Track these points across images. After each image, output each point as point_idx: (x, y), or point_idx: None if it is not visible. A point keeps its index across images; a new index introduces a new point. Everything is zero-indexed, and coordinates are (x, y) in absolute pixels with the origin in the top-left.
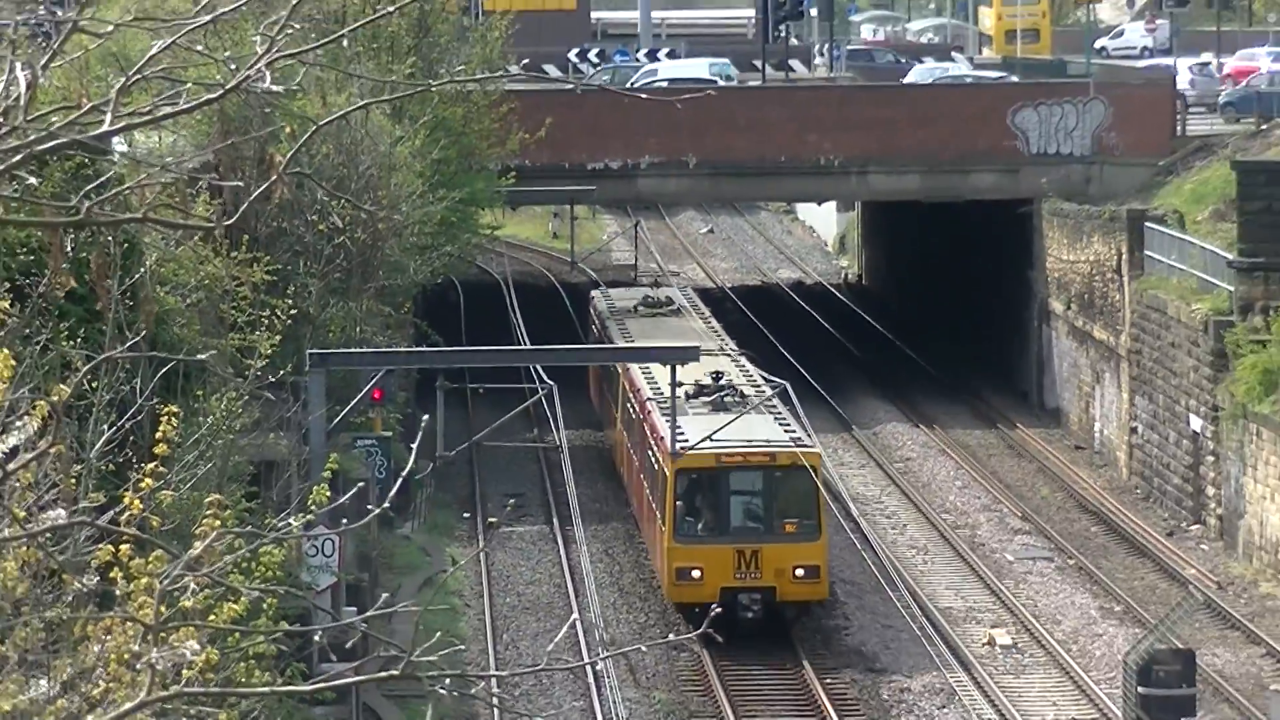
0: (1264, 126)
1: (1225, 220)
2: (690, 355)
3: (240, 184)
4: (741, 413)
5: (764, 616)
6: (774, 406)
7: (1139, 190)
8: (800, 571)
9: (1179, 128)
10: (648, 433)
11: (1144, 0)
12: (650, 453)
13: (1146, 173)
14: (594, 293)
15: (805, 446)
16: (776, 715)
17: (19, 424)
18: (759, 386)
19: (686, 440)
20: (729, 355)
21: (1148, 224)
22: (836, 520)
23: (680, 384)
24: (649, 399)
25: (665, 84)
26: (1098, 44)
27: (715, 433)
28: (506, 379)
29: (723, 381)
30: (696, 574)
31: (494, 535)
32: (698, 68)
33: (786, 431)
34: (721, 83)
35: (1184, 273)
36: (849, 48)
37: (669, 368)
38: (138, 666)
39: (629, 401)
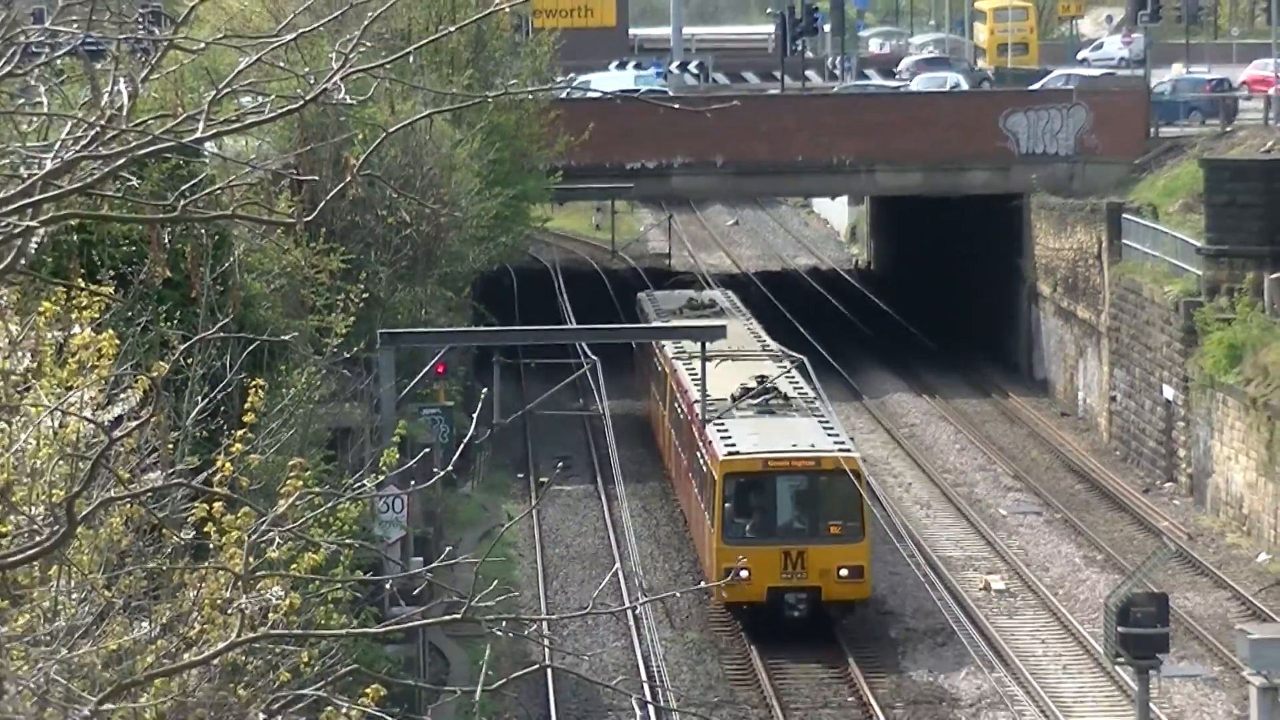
0: (1228, 129)
1: (1194, 212)
2: (718, 334)
3: (318, 182)
4: (782, 415)
5: (809, 615)
6: (817, 410)
7: (1117, 185)
8: (844, 572)
9: (1152, 130)
10: (696, 435)
11: (1121, 15)
12: (699, 454)
13: (1123, 170)
14: (641, 294)
15: (848, 452)
16: (796, 650)
17: (123, 396)
18: (801, 389)
19: (734, 445)
20: (772, 357)
21: (1125, 215)
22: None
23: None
24: (696, 401)
25: (599, 94)
26: (1080, 55)
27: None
28: (555, 355)
29: (768, 380)
30: (744, 574)
31: (545, 494)
32: (624, 80)
33: (830, 437)
34: (643, 91)
35: (1157, 259)
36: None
37: (715, 368)
38: (229, 611)
39: (676, 401)
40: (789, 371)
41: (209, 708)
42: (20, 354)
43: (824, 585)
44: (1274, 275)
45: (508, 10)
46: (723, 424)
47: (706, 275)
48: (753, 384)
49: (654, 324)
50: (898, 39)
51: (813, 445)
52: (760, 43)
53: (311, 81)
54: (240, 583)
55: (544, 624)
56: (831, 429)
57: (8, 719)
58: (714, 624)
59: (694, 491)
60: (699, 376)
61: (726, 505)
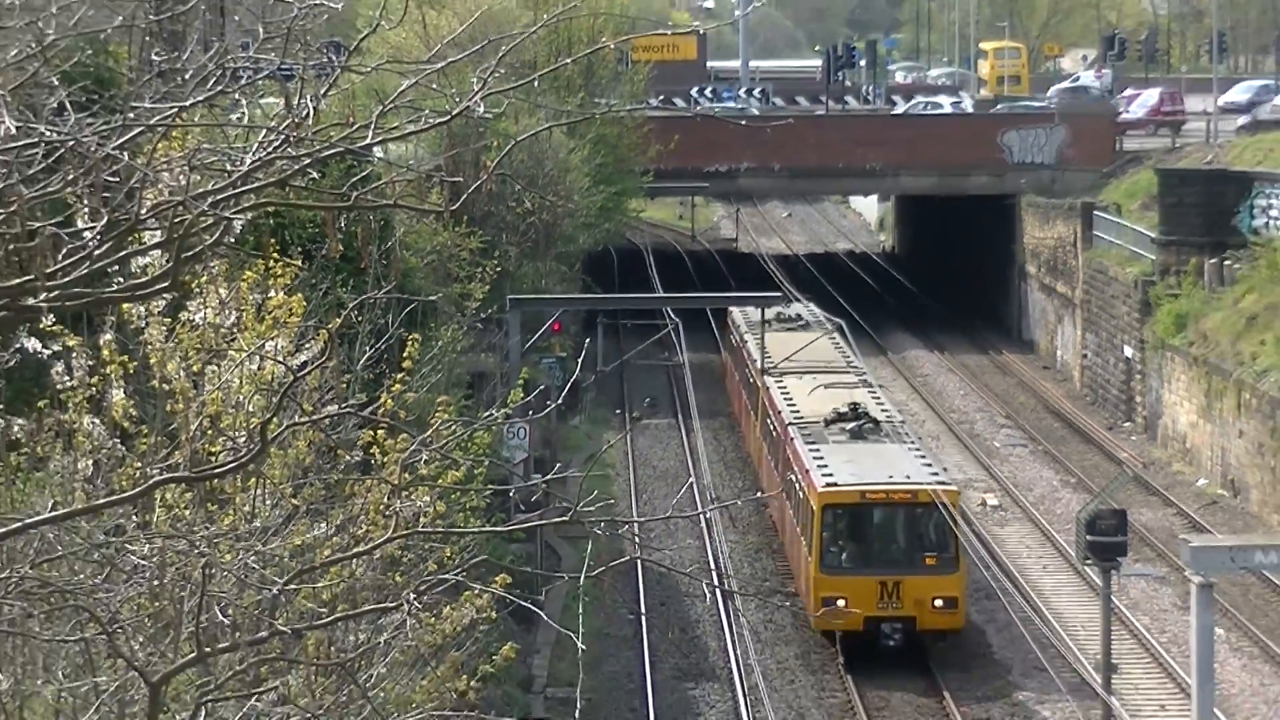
0: (1177, 145)
1: (1149, 210)
2: (777, 300)
3: (461, 180)
4: (873, 441)
5: (904, 644)
6: (906, 435)
7: (1089, 188)
8: (939, 602)
9: (1117, 145)
10: (794, 463)
11: (1094, 54)
12: (795, 480)
13: (1094, 176)
14: (732, 309)
15: (944, 485)
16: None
17: (307, 345)
18: (889, 411)
19: (832, 476)
20: (855, 375)
21: (1095, 212)
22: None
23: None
24: (790, 424)
25: (682, 113)
26: (1061, 86)
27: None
28: (646, 317)
29: (859, 407)
30: (842, 603)
31: (636, 425)
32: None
33: (925, 467)
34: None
35: (1120, 246)
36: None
37: (810, 393)
38: (388, 514)
39: (769, 418)
40: (874, 390)
41: (372, 590)
42: (227, 312)
43: (919, 615)
44: (1211, 260)
45: (612, 47)
46: (818, 450)
47: (764, 255)
48: (823, 386)
49: (751, 351)
50: (918, 72)
51: (908, 476)
52: (810, 73)
53: (457, 100)
54: (397, 492)
55: (634, 525)
56: (924, 457)
57: (218, 595)
58: (767, 529)
59: (788, 513)
60: (791, 396)
61: (824, 535)
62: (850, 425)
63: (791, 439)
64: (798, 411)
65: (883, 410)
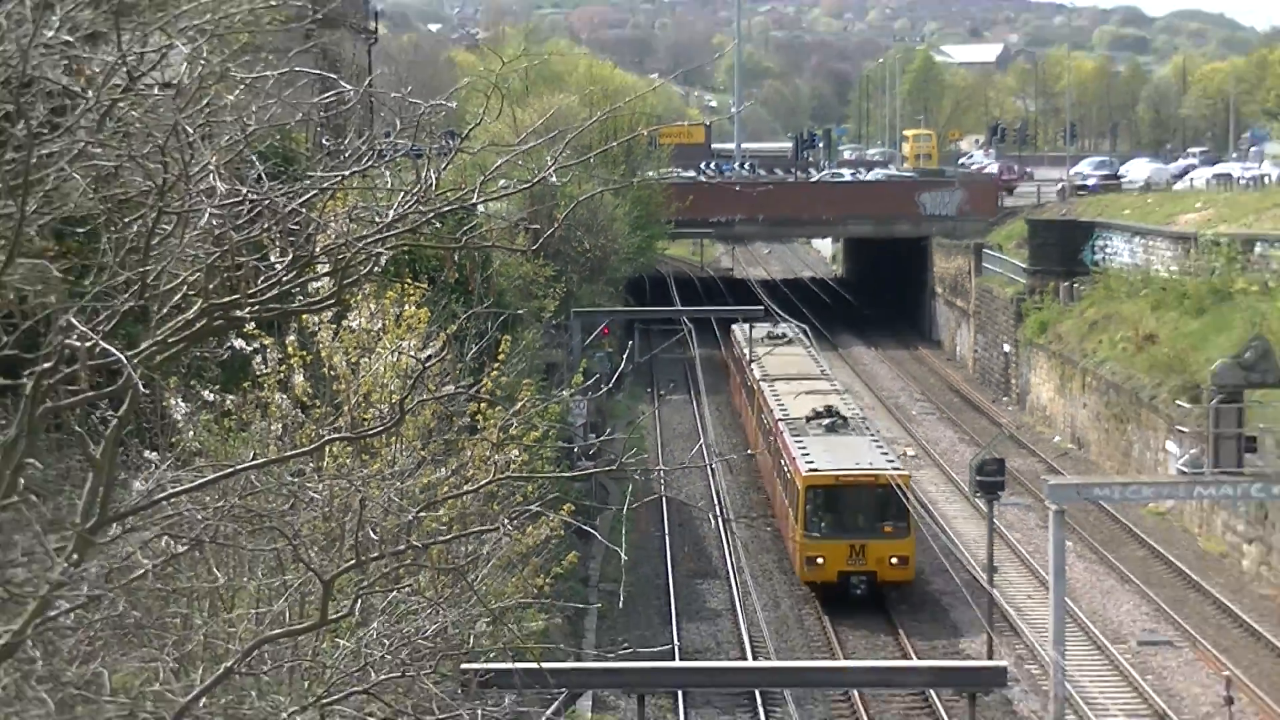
0: (1041, 202)
1: (1022, 248)
2: (758, 315)
3: (539, 227)
4: (845, 434)
5: (868, 594)
6: (870, 430)
7: (979, 233)
8: (895, 560)
9: (1000, 202)
10: (783, 451)
11: (983, 139)
12: (785, 465)
13: (983, 225)
14: (734, 327)
15: (898, 470)
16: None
17: (431, 344)
18: (854, 410)
19: (813, 462)
20: (830, 382)
21: (984, 249)
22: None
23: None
24: (780, 421)
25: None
26: (960, 161)
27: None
28: (668, 324)
29: (834, 408)
30: (820, 561)
31: (661, 400)
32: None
33: (884, 456)
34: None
35: (1001, 274)
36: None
37: (796, 393)
38: (488, 463)
39: (763, 414)
40: (843, 394)
41: (477, 516)
42: (375, 320)
43: (879, 570)
44: (1064, 284)
45: (645, 134)
46: (802, 441)
47: (752, 279)
48: (805, 391)
49: (749, 361)
50: (860, 151)
51: (871, 464)
52: (784, 152)
53: (535, 171)
54: (494, 448)
55: (660, 471)
56: (882, 448)
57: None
58: (759, 474)
59: (780, 491)
60: (780, 397)
61: (807, 508)
62: (826, 422)
63: (781, 432)
64: (785, 410)
65: (850, 410)
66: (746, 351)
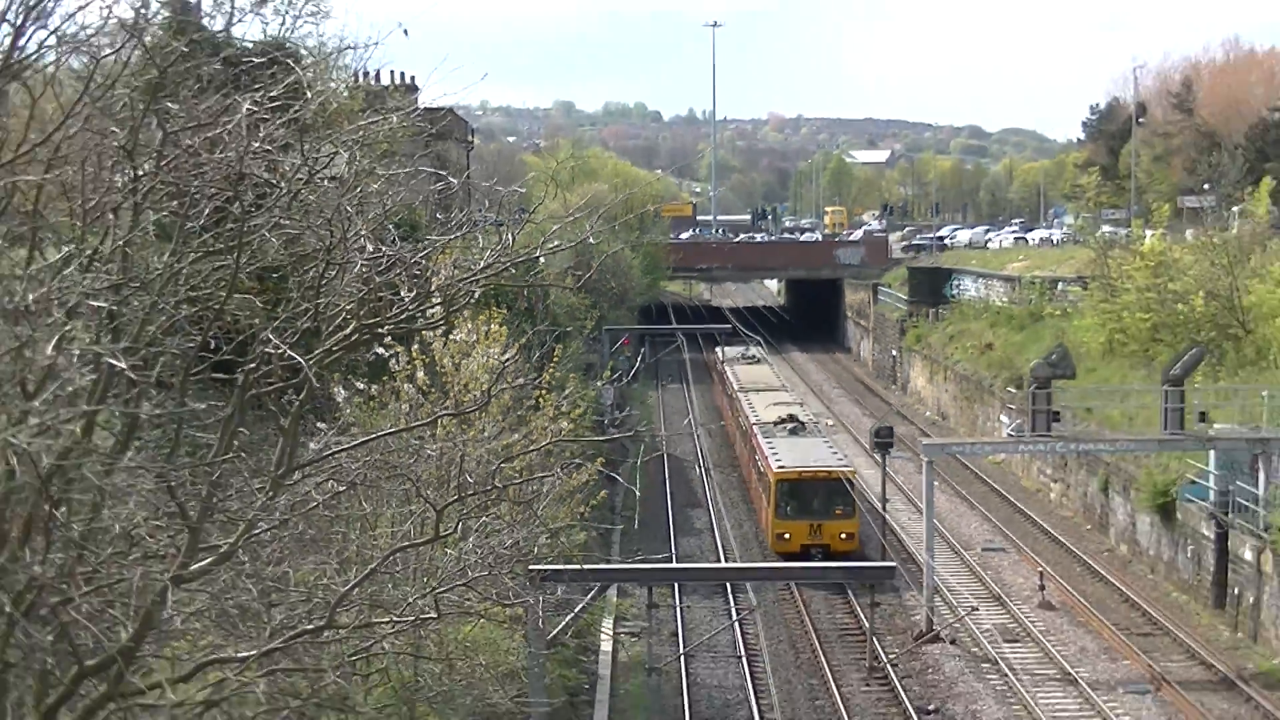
0: (916, 255)
1: (905, 285)
2: (725, 330)
3: (581, 272)
4: (804, 436)
5: (823, 558)
6: (821, 432)
7: (876, 276)
8: (844, 536)
9: (890, 254)
10: (758, 450)
11: (878, 213)
12: (759, 461)
13: (878, 270)
14: (716, 349)
15: (846, 467)
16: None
17: (509, 351)
18: (811, 417)
19: (781, 461)
20: (788, 392)
21: (879, 287)
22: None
23: (773, 419)
24: (754, 425)
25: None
26: (863, 228)
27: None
28: (667, 336)
29: (795, 416)
30: (787, 536)
31: (664, 388)
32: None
33: (834, 455)
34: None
35: (891, 303)
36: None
37: (766, 403)
38: (546, 430)
39: (740, 416)
40: (801, 403)
41: (540, 466)
42: (471, 334)
43: (832, 543)
44: (931, 310)
45: (652, 210)
46: (772, 443)
47: (727, 308)
48: (773, 403)
49: (726, 376)
50: (796, 220)
51: (825, 462)
52: (745, 222)
53: (579, 235)
54: (551, 419)
55: (663, 433)
56: (834, 449)
57: (468, 468)
58: (731, 442)
59: (756, 482)
60: (753, 404)
61: (777, 496)
62: (789, 426)
63: (755, 434)
64: (758, 416)
65: (806, 416)
66: (726, 368)
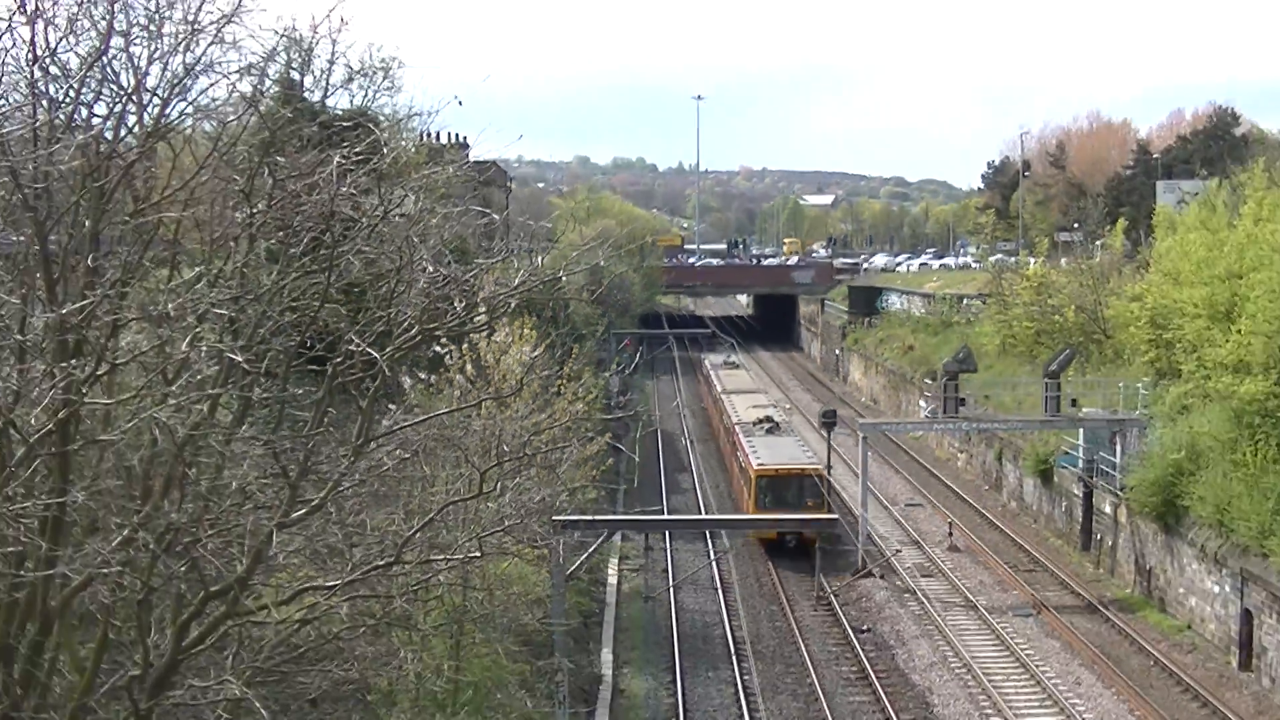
0: (857, 275)
1: (846, 300)
2: (707, 334)
3: (594, 288)
4: (780, 435)
5: (796, 546)
6: (794, 432)
7: (824, 292)
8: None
9: (833, 276)
10: (739, 447)
11: (824, 245)
12: (740, 457)
13: (825, 288)
14: (703, 356)
15: (817, 464)
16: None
17: (538, 348)
18: (785, 418)
19: (760, 459)
20: (764, 395)
21: (825, 300)
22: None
23: (751, 419)
24: (736, 424)
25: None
26: (812, 256)
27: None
28: (660, 337)
29: (772, 417)
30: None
31: (657, 379)
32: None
33: (805, 453)
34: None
35: (834, 313)
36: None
37: (746, 404)
38: (567, 411)
39: (724, 416)
40: (775, 404)
41: (561, 438)
42: (509, 335)
43: (804, 531)
44: (867, 319)
45: (649, 239)
46: (751, 441)
47: (707, 316)
48: (752, 405)
49: (712, 379)
50: (762, 249)
51: (799, 460)
52: (722, 250)
53: (593, 259)
54: (570, 402)
55: (656, 413)
56: (805, 448)
57: (505, 439)
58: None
59: (738, 477)
60: (735, 406)
61: (757, 490)
62: (767, 426)
63: (737, 432)
64: (739, 417)
65: (781, 417)
66: (710, 372)
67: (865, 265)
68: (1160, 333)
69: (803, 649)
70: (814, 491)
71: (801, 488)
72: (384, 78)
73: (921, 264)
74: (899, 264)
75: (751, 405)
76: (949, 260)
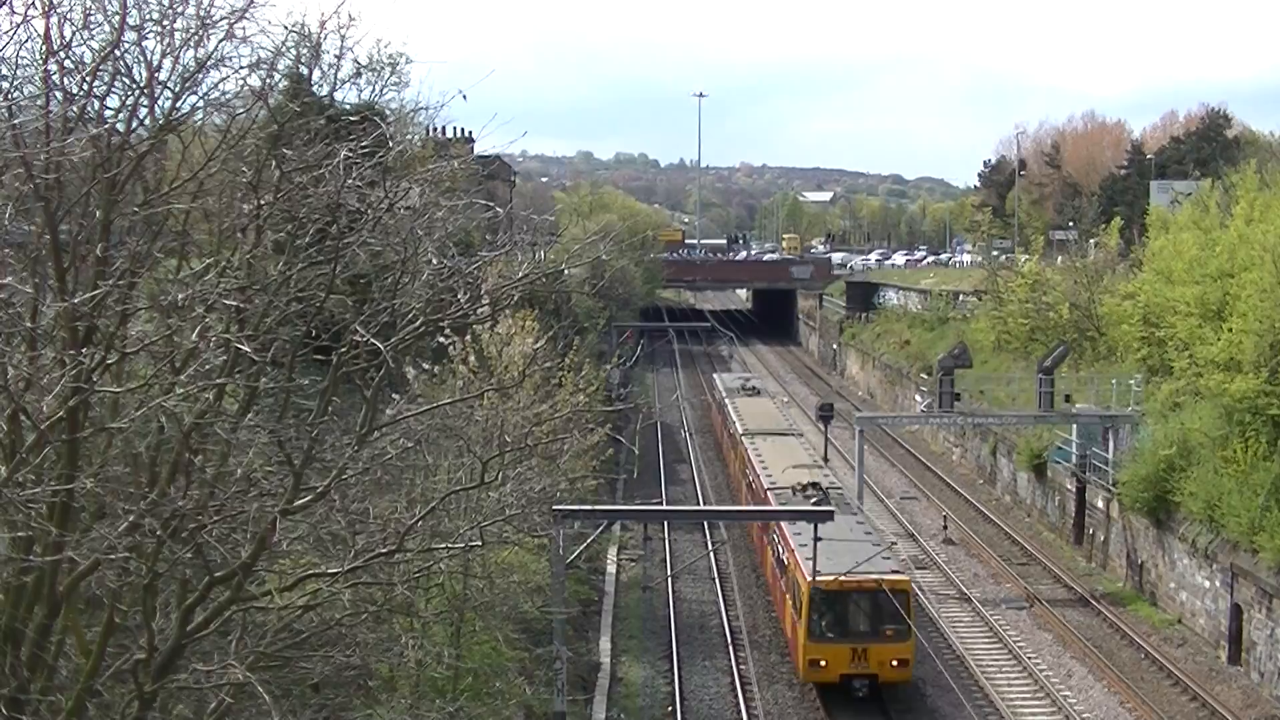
0: (851, 272)
1: (844, 296)
2: (707, 327)
3: (595, 281)
4: (840, 519)
5: (869, 694)
6: (855, 509)
7: (821, 287)
8: (895, 663)
9: (831, 271)
10: (781, 540)
11: (824, 241)
12: (779, 549)
13: (823, 284)
14: (715, 375)
15: (899, 574)
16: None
17: (539, 340)
18: (834, 479)
19: (816, 565)
20: (799, 438)
21: (824, 296)
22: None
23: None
24: (769, 490)
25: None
26: (811, 252)
27: (848, 570)
28: (661, 331)
29: (819, 483)
30: (823, 663)
31: (657, 372)
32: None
33: (881, 554)
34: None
35: (832, 308)
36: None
37: (779, 456)
38: (565, 402)
39: (749, 472)
40: (819, 459)
41: (562, 429)
42: (512, 326)
43: (880, 672)
44: (863, 314)
45: (651, 234)
46: (801, 538)
47: (707, 310)
48: (787, 457)
49: (727, 407)
50: (762, 245)
51: (874, 568)
52: (722, 245)
53: (595, 253)
54: (571, 393)
55: (657, 405)
56: (880, 543)
57: (507, 428)
58: (709, 409)
59: (781, 587)
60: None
61: (811, 612)
62: (815, 499)
63: (771, 503)
64: (773, 479)
65: (830, 479)
66: (726, 401)
67: (850, 264)
68: (1152, 330)
69: None
70: (894, 612)
71: (876, 609)
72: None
73: (908, 260)
74: (882, 261)
75: (787, 458)
76: (944, 256)
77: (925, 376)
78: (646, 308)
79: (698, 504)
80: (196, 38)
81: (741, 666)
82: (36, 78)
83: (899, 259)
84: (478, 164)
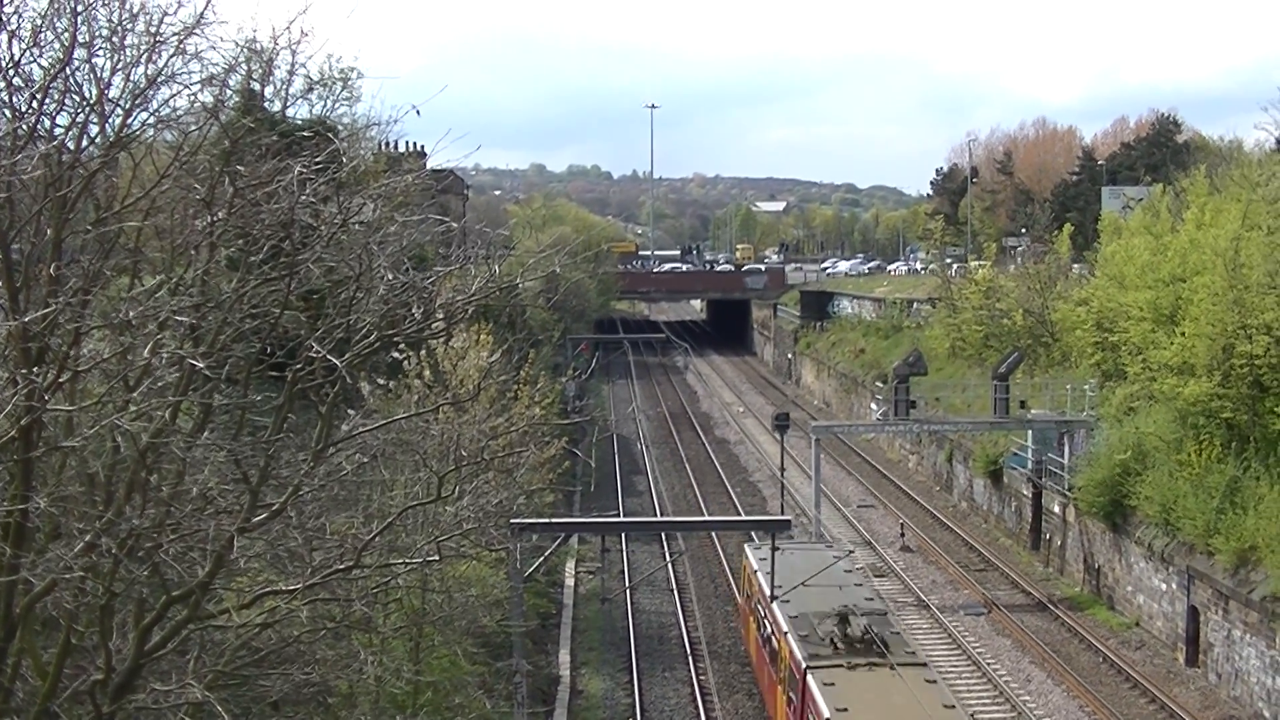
0: (806, 282)
1: (798, 305)
2: (661, 338)
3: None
4: (895, 676)
5: None
6: (915, 659)
7: (776, 297)
8: None
9: (785, 280)
10: (800, 694)
11: (777, 250)
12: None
13: (777, 293)
14: (747, 548)
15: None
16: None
17: (495, 353)
18: (896, 633)
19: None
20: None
21: (778, 305)
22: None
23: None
24: (806, 665)
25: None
26: (764, 263)
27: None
28: (616, 342)
29: (864, 626)
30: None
31: (613, 384)
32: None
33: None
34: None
35: (787, 317)
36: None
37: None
38: (524, 415)
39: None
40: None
41: (519, 441)
42: (466, 340)
43: None
44: (818, 324)
45: (605, 247)
46: (831, 681)
47: (662, 321)
48: (843, 619)
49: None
50: (715, 255)
51: None
52: (676, 256)
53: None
54: (527, 406)
55: (612, 420)
56: (942, 694)
57: (462, 443)
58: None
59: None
60: (804, 631)
61: None
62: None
63: (809, 685)
64: (812, 650)
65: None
66: (767, 588)
67: (801, 269)
68: (1106, 335)
69: None
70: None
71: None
72: (343, 88)
73: (852, 268)
74: (825, 270)
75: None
76: (897, 265)
77: (881, 385)
78: (601, 319)
79: (655, 515)
80: (147, 54)
81: (701, 677)
82: None
83: (843, 266)
84: (431, 178)
